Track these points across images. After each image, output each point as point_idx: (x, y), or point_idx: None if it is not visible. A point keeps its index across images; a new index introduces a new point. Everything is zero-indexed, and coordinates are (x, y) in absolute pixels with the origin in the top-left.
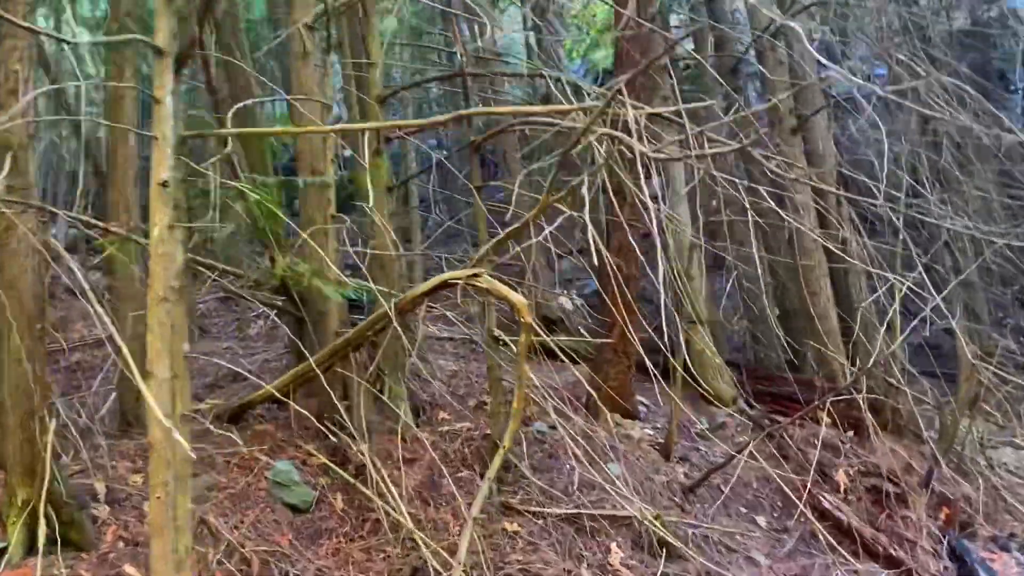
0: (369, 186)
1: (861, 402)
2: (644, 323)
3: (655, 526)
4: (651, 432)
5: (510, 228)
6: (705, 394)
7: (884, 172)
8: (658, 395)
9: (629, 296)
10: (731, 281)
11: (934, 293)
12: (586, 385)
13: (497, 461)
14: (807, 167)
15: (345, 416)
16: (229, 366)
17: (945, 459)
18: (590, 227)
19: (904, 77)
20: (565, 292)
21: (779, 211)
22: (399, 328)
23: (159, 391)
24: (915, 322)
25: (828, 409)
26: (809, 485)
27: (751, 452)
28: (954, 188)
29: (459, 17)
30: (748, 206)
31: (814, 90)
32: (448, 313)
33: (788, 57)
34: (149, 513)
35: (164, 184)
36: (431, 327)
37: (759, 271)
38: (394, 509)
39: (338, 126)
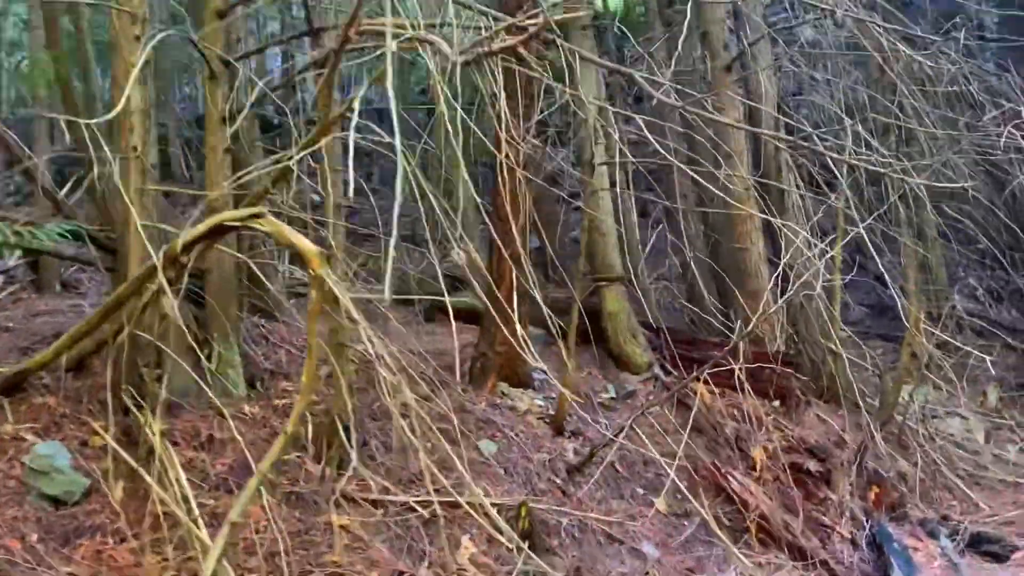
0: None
1: (738, 371)
2: (542, 280)
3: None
4: (542, 403)
5: (281, 162)
6: (617, 359)
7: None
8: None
9: (520, 250)
10: (655, 234)
11: (873, 252)
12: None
13: (277, 448)
14: (741, 108)
15: (152, 387)
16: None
17: (883, 430)
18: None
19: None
20: (461, 245)
21: (661, 151)
22: (164, 281)
23: None
24: (807, 275)
25: (753, 378)
26: (714, 462)
27: (632, 427)
28: (909, 135)
29: None
30: (625, 141)
31: (757, 27)
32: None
33: None
34: None
35: None
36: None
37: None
38: (176, 499)
39: None
